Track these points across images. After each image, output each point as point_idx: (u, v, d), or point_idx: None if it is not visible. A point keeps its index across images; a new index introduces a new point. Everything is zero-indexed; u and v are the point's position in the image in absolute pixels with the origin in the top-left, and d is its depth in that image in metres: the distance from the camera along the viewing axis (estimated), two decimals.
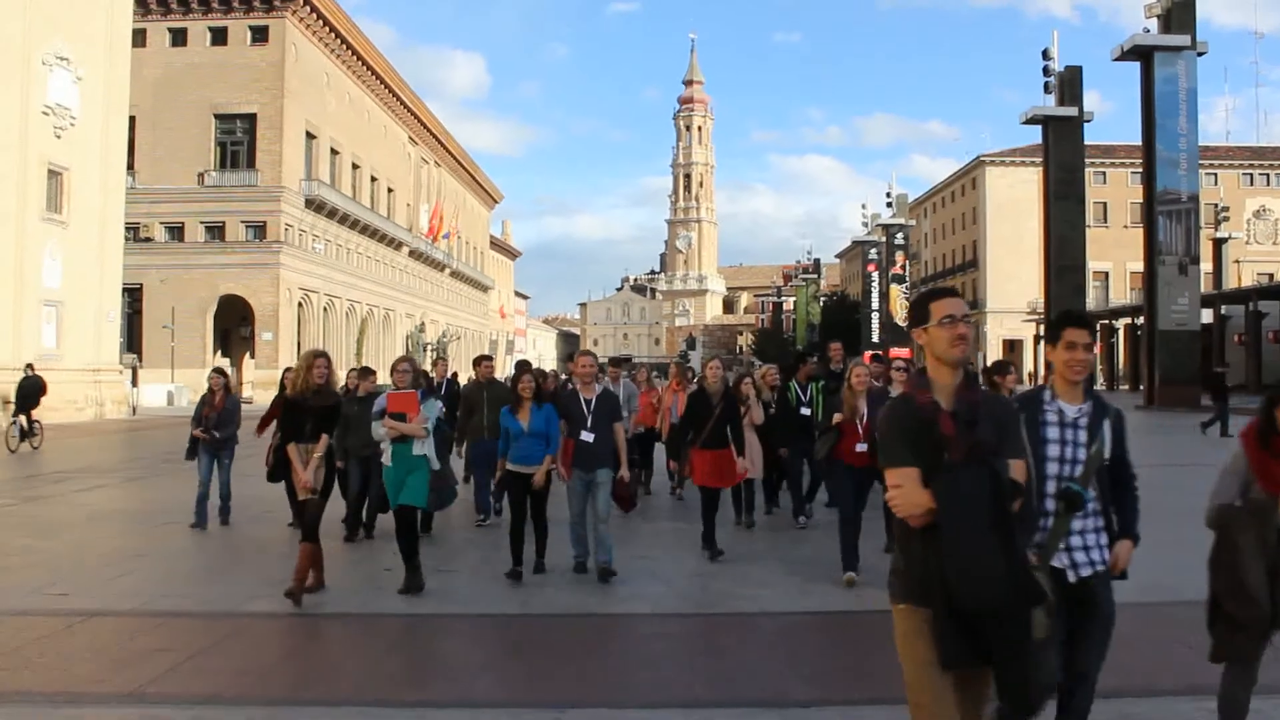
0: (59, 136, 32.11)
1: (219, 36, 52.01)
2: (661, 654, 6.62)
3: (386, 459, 7.97)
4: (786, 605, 7.55)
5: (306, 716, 5.21)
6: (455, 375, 15.12)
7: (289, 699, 5.45)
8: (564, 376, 15.57)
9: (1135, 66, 38.40)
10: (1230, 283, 57.31)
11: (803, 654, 6.48)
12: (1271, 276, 69.14)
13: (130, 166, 42.93)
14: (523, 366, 9.98)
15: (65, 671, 5.19)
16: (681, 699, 5.64)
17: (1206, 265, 49.40)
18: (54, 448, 21.77)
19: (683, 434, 9.62)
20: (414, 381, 8.44)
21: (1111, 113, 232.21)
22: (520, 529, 8.40)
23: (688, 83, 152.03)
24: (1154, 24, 37.87)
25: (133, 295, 46.51)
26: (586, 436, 8.40)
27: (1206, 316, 43.54)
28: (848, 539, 8.17)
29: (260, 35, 51.82)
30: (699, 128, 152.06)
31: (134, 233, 46.10)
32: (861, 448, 8.27)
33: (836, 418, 8.50)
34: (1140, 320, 39.28)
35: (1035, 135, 53.27)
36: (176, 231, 51.33)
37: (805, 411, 11.20)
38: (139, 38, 43.90)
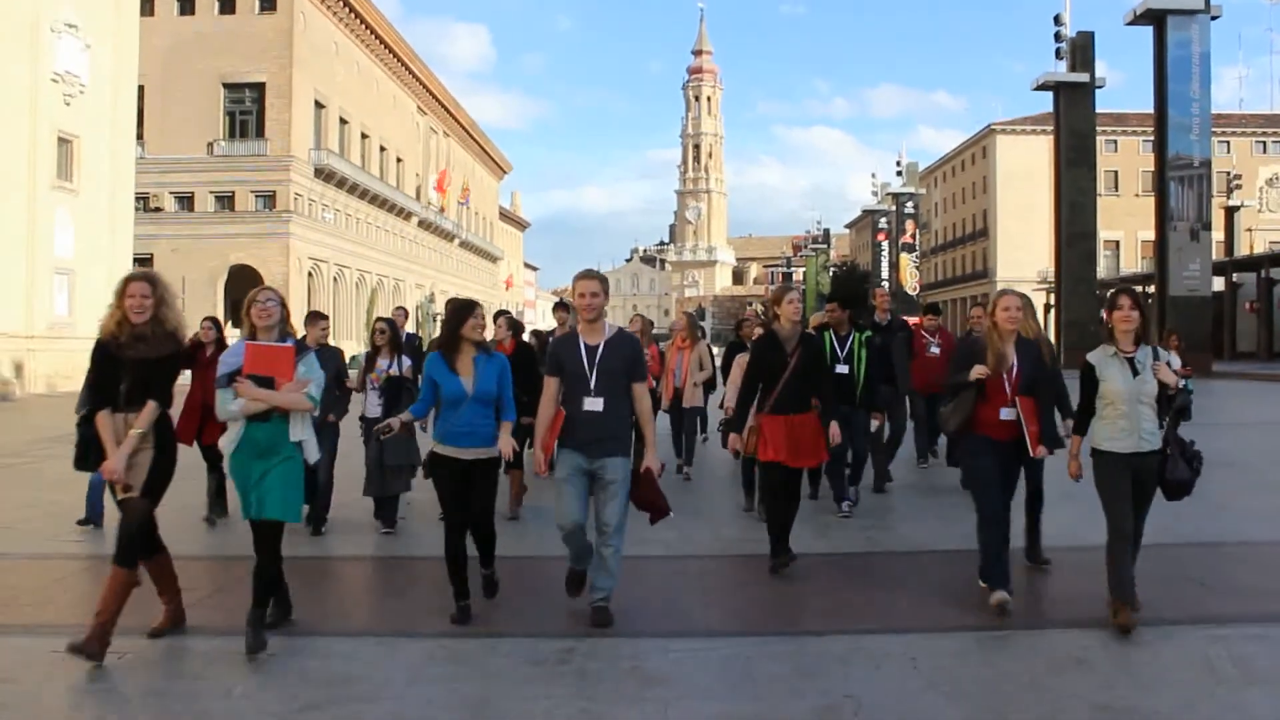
0: (68, 104, 32.12)
1: (227, 5, 51.85)
2: (679, 589, 6.75)
3: (227, 442, 5.29)
4: (800, 547, 7.63)
5: (327, 644, 5.32)
6: (418, 334, 13.20)
7: (310, 630, 5.57)
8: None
9: (1145, 34, 38.11)
10: (1242, 251, 57.03)
11: (816, 589, 6.63)
12: None
13: (139, 136, 42.91)
14: (500, 315, 9.57)
15: (85, 609, 5.30)
16: (696, 629, 5.75)
17: (1219, 234, 49.18)
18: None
19: (747, 394, 7.06)
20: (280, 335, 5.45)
21: (1120, 82, 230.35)
22: (460, 546, 5.76)
23: (697, 53, 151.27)
24: None
25: (143, 265, 46.59)
26: (591, 404, 5.65)
27: (1218, 285, 43.37)
28: (993, 544, 5.95)
29: (269, 4, 51.62)
30: (708, 98, 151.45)
31: (144, 203, 46.18)
32: (1009, 414, 6.00)
33: (979, 371, 5.96)
34: (1151, 288, 39.08)
35: (1045, 104, 53.03)
36: (186, 201, 51.40)
37: (841, 369, 9.04)
38: (147, 6, 43.79)
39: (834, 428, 6.99)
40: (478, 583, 6.09)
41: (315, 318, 8.83)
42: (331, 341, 11.76)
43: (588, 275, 5.85)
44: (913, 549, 7.89)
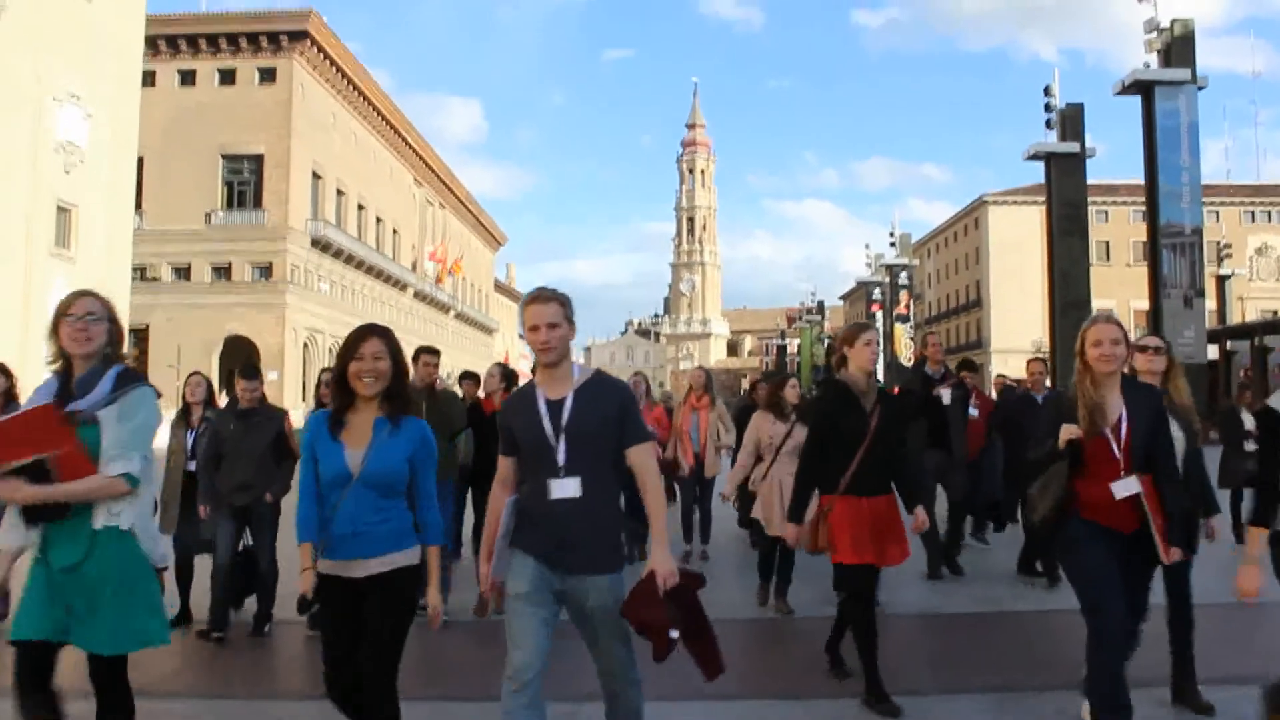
0: (68, 173, 32.35)
1: (227, 77, 52.54)
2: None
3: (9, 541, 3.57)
4: (809, 612, 7.46)
5: (316, 711, 5.12)
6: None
7: (302, 694, 5.39)
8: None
9: (1132, 106, 38.62)
10: (1234, 319, 57.31)
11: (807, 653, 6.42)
12: (1275, 313, 69.15)
13: (138, 205, 43.18)
14: (502, 371, 8.91)
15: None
16: (703, 692, 5.55)
17: (1210, 302, 49.43)
18: None
19: (811, 470, 5.42)
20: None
21: (1108, 154, 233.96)
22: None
23: (690, 126, 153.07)
24: (1154, 59, 38.15)
25: (139, 335, 46.60)
26: (559, 489, 3.72)
27: (1213, 353, 43.49)
28: (1107, 670, 4.18)
29: (268, 76, 52.33)
30: (702, 171, 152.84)
31: (141, 273, 46.28)
32: (1125, 489, 4.23)
33: (1069, 433, 4.21)
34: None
35: (1036, 175, 53.47)
36: (183, 272, 51.54)
37: None
38: (149, 78, 44.31)
39: (920, 514, 5.42)
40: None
41: (249, 371, 7.23)
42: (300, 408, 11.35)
43: (540, 297, 3.78)
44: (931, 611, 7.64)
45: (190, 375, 7.82)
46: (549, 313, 3.74)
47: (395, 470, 3.78)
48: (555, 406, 3.75)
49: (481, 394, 9.24)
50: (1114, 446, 4.24)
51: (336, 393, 3.87)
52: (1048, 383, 10.00)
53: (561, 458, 3.70)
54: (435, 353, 7.78)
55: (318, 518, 3.77)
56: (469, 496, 8.74)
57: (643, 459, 3.80)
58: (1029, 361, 9.81)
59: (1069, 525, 4.31)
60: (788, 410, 7.93)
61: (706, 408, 10.53)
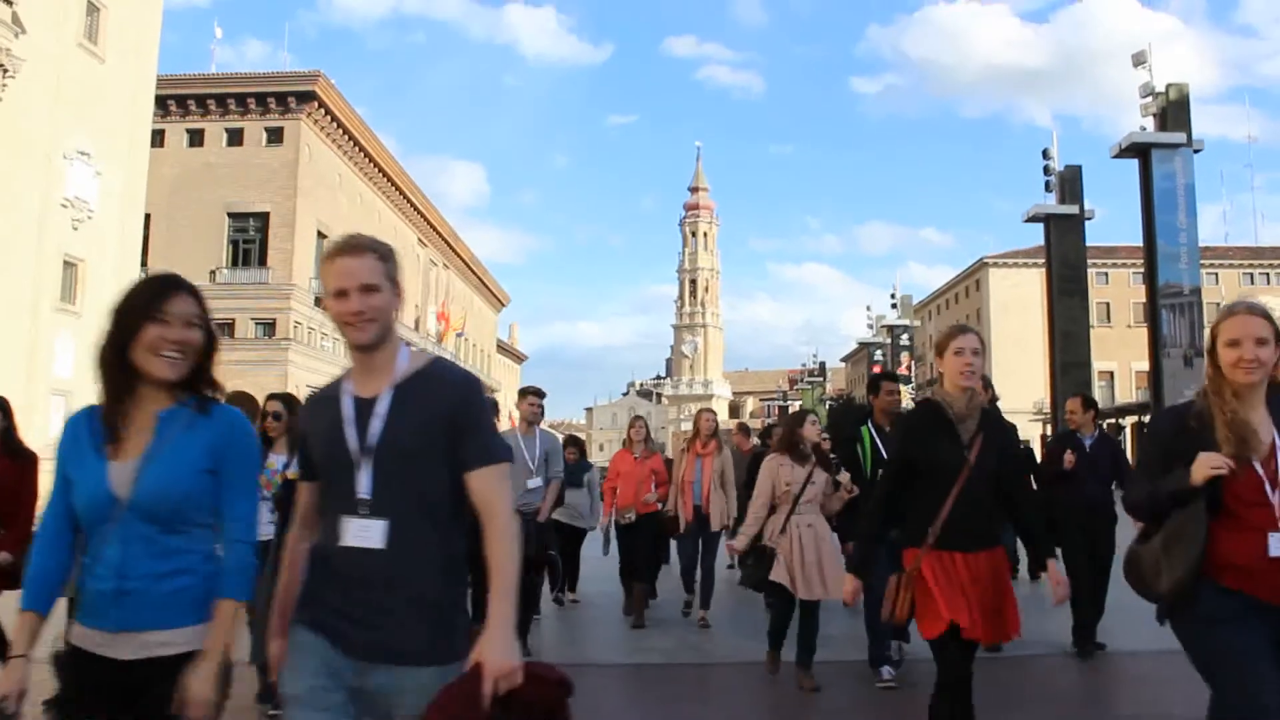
0: (76, 229, 32.69)
1: (235, 137, 53.18)
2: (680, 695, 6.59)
3: None
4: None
5: None
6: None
7: None
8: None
9: (1124, 171, 39.19)
10: None
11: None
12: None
13: (144, 262, 43.50)
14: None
15: None
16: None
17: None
18: None
19: (880, 510, 4.37)
20: None
21: (1107, 217, 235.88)
22: None
23: (693, 189, 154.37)
24: (1150, 123, 38.68)
25: None
26: (357, 533, 2.52)
27: None
28: None
29: (275, 136, 52.97)
30: (705, 234, 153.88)
31: None
32: None
33: (1214, 463, 3.04)
34: (1147, 418, 39.21)
35: (1035, 237, 53.95)
36: None
37: None
38: (158, 138, 44.90)
39: (1055, 572, 4.20)
40: None
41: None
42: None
43: (350, 248, 2.62)
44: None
45: None
46: (362, 270, 2.53)
47: (185, 489, 2.56)
48: (364, 409, 2.55)
49: None
50: (1266, 484, 3.06)
51: (113, 376, 2.76)
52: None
53: (364, 486, 2.49)
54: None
55: (59, 570, 2.59)
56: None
57: (489, 490, 2.52)
58: (1070, 400, 8.39)
59: (1201, 597, 3.11)
60: (806, 452, 6.89)
61: (713, 454, 9.44)
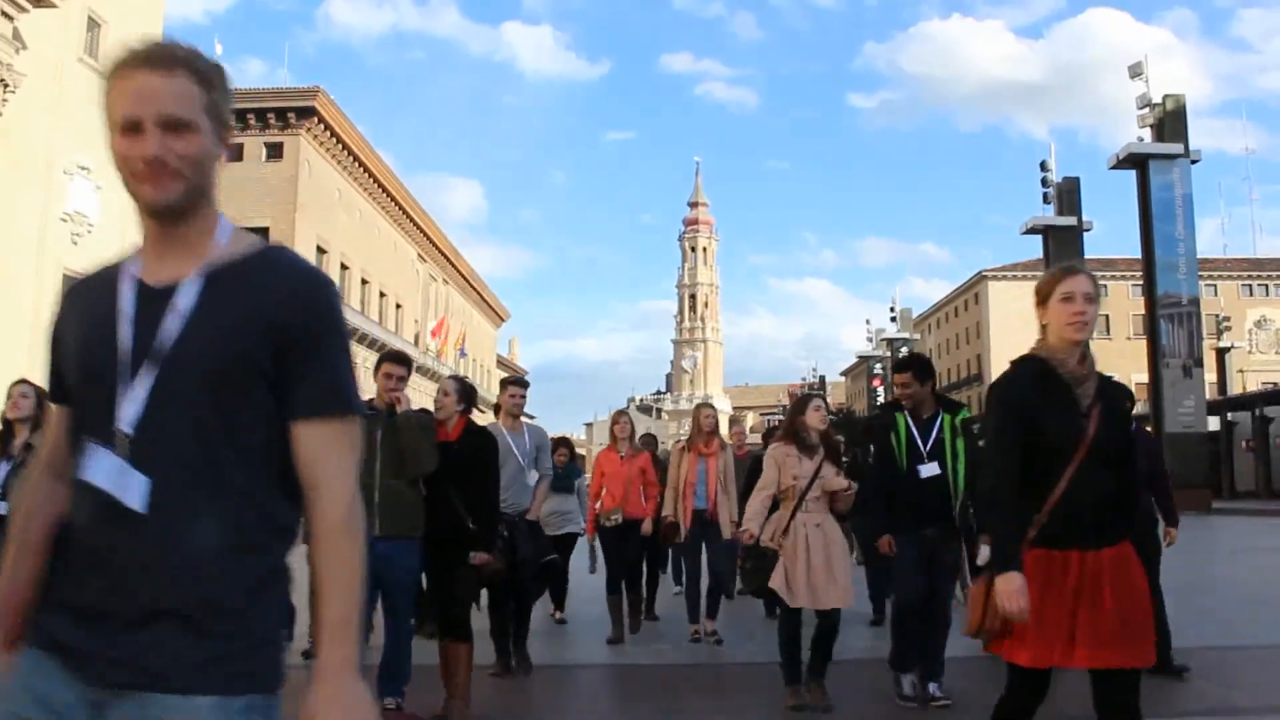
0: (75, 243, 32.75)
1: (235, 153, 53.14)
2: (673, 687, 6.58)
3: None
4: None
5: None
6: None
7: None
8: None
9: (1127, 181, 39.29)
10: (1235, 391, 57.35)
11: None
12: (1276, 384, 69.22)
13: None
14: (460, 389, 6.17)
15: None
16: None
17: (1211, 375, 49.54)
18: None
19: (1011, 491, 3.35)
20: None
21: (1105, 229, 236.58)
22: None
23: (693, 204, 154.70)
24: (1147, 134, 38.82)
25: None
26: (108, 479, 1.61)
27: (1214, 424, 43.49)
28: None
29: (275, 152, 53.16)
30: (704, 249, 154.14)
31: None
32: None
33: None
34: (1149, 428, 39.17)
35: (1034, 250, 54.05)
36: None
37: (928, 470, 5.99)
38: None
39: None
40: None
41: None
42: None
43: (150, 60, 1.68)
44: None
45: (14, 384, 5.88)
46: (168, 93, 1.68)
47: None
48: (153, 300, 1.71)
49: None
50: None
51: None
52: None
53: (128, 415, 1.64)
54: (404, 362, 5.82)
55: None
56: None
57: (324, 457, 1.69)
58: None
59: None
60: (812, 442, 6.13)
61: (717, 454, 8.63)
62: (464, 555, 5.45)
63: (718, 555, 8.38)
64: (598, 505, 8.94)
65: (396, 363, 5.70)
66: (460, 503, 5.46)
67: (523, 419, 7.48)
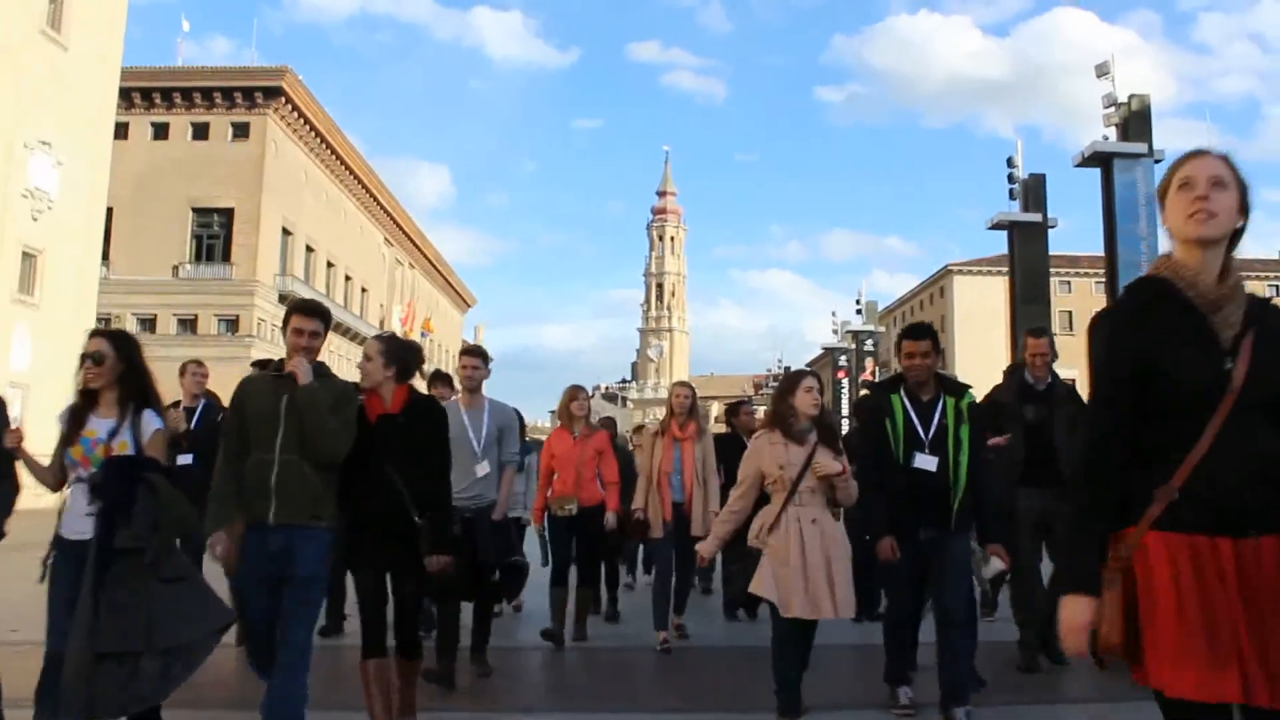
0: (35, 219, 32.31)
1: (200, 132, 52.75)
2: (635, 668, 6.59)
3: None
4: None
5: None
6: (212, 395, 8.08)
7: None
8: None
9: (1093, 179, 39.57)
10: None
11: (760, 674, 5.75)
12: None
13: (106, 256, 43.09)
14: (386, 350, 4.89)
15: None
16: (656, 706, 5.62)
17: None
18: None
19: (1109, 464, 2.34)
20: None
21: (1069, 227, 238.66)
22: None
23: (661, 193, 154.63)
24: (1112, 133, 39.11)
25: None
26: None
27: None
28: None
29: (241, 132, 52.59)
30: (672, 238, 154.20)
31: (106, 324, 45.97)
32: None
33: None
34: None
35: (999, 246, 54.44)
36: (148, 323, 51.19)
37: (925, 462, 5.21)
38: (122, 130, 44.40)
39: None
40: None
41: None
42: None
43: None
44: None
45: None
46: None
47: None
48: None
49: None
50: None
51: None
52: None
53: None
54: (316, 313, 4.58)
55: None
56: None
57: None
58: None
59: None
60: (802, 427, 5.23)
61: (693, 439, 7.80)
62: (411, 554, 4.53)
63: (688, 559, 7.36)
64: (549, 492, 7.83)
65: (306, 314, 4.50)
66: (405, 490, 4.49)
67: (484, 395, 6.40)
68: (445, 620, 5.94)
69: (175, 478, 4.35)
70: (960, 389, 5.39)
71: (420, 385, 5.49)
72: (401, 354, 4.82)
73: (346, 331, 64.88)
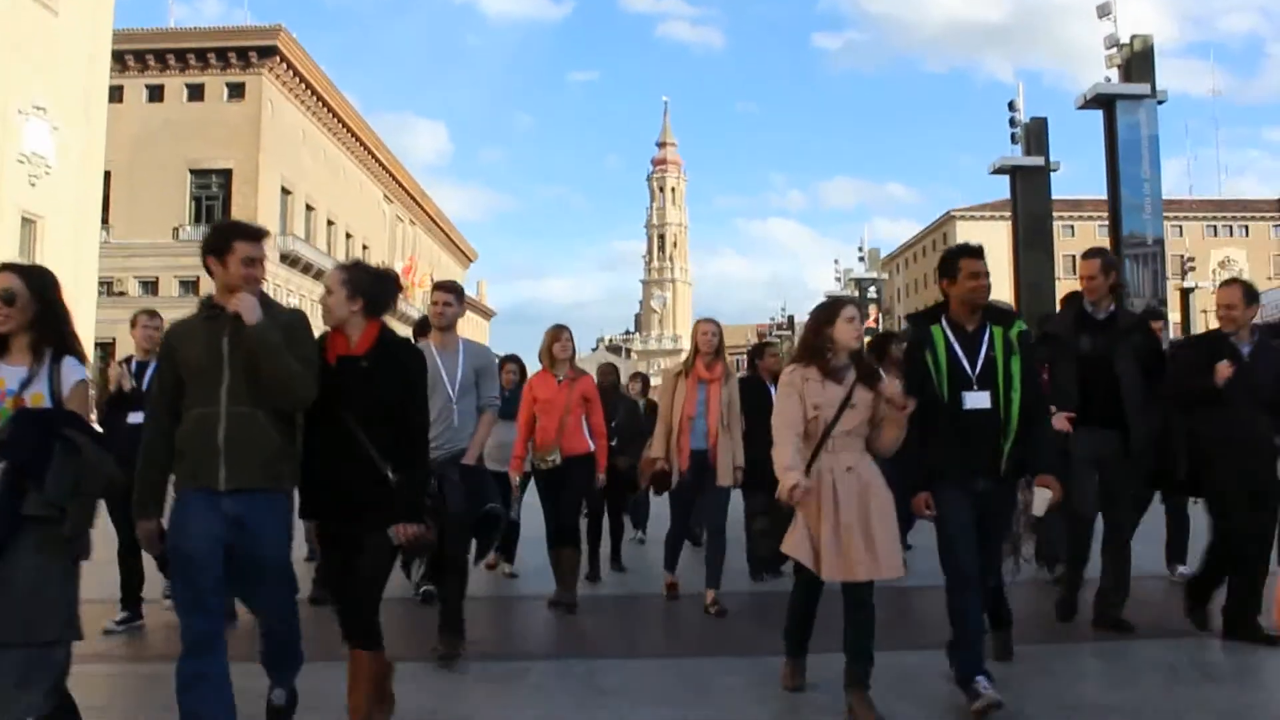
0: (33, 185, 32.24)
1: (196, 93, 52.43)
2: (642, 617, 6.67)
3: None
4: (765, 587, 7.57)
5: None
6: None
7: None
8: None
9: (1096, 122, 39.31)
10: (1199, 331, 58.08)
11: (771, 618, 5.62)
12: None
13: (105, 220, 43.01)
14: (350, 279, 4.06)
15: None
16: (661, 651, 5.72)
17: (1175, 315, 50.09)
18: None
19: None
20: None
21: (1073, 171, 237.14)
22: None
23: (661, 144, 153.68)
24: (1114, 74, 38.79)
25: (105, 349, 46.25)
26: None
27: None
28: None
29: (237, 92, 52.27)
30: (672, 189, 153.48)
31: (108, 287, 46.00)
32: None
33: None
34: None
35: (1001, 191, 54.20)
36: (150, 286, 51.23)
37: (977, 400, 4.51)
38: (116, 93, 44.16)
39: None
40: None
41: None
42: None
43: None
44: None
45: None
46: None
47: None
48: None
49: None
50: None
51: None
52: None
53: None
54: (258, 237, 3.88)
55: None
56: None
57: None
58: (1224, 289, 5.86)
59: None
60: (841, 363, 4.53)
61: (720, 380, 7.04)
62: (377, 521, 3.85)
63: (710, 506, 6.97)
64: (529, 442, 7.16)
65: (252, 239, 3.82)
66: (371, 445, 3.80)
67: (459, 335, 5.82)
68: (448, 595, 5.44)
69: (120, 437, 4.21)
70: (1009, 317, 4.66)
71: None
72: (369, 284, 4.03)
73: None
